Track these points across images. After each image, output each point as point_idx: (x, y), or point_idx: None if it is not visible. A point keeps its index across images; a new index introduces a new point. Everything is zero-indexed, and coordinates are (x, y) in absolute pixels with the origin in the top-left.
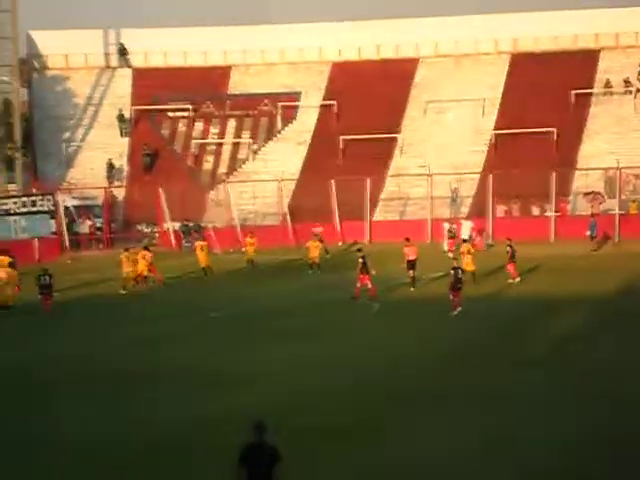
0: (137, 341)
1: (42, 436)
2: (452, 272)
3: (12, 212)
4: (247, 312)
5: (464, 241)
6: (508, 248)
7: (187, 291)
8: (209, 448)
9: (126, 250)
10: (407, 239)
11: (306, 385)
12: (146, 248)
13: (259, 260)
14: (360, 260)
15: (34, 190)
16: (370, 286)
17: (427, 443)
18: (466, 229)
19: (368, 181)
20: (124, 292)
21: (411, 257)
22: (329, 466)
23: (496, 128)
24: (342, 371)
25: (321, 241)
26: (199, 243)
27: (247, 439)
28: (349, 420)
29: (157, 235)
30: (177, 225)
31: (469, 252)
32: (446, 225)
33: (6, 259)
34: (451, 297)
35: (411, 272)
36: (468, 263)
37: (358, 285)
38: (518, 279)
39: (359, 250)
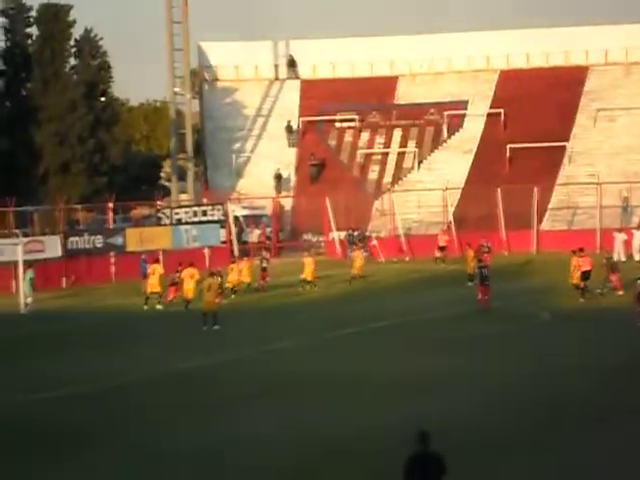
0: (299, 350)
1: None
2: (638, 282)
3: (184, 221)
4: (407, 322)
5: None
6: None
7: (347, 302)
8: (377, 457)
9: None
10: (581, 249)
11: (466, 399)
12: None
13: (423, 269)
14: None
15: (205, 200)
16: None
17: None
18: (638, 239)
19: (535, 190)
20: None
21: (585, 268)
22: None
23: None
24: (504, 385)
25: (488, 252)
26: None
27: (412, 449)
28: (510, 439)
29: (323, 244)
30: (342, 234)
31: None
32: (618, 235)
33: (195, 270)
34: (639, 309)
35: (583, 283)
36: None
37: None
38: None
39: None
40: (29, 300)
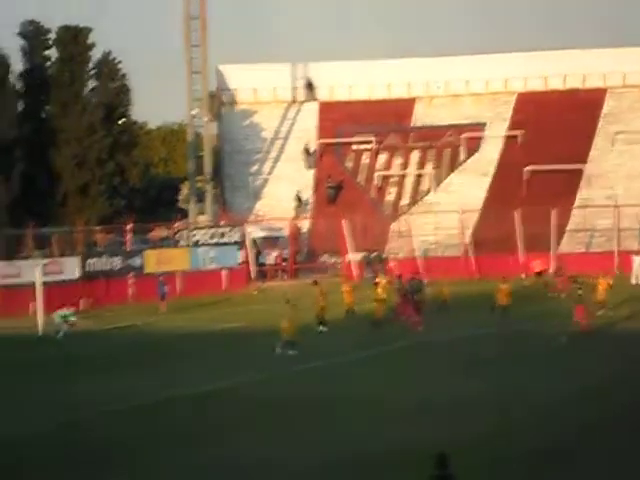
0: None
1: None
2: None
3: (202, 243)
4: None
5: None
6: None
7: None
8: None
9: (315, 283)
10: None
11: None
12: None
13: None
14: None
15: (223, 222)
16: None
17: None
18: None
19: (553, 212)
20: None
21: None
22: None
23: None
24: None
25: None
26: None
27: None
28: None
29: (340, 266)
30: (360, 256)
31: None
32: (636, 258)
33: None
34: None
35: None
36: None
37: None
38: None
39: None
40: (60, 333)
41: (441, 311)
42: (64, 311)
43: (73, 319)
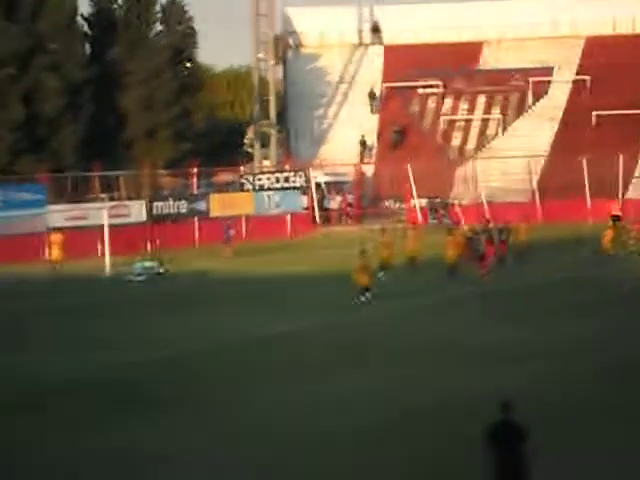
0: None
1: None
2: None
3: (266, 187)
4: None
5: None
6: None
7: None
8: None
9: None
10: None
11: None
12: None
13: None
14: None
15: (287, 166)
16: None
17: None
18: None
19: (621, 158)
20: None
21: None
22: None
23: None
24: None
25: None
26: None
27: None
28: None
29: (404, 211)
30: (424, 202)
31: None
32: None
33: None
34: None
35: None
36: None
37: None
38: None
39: None
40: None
41: (523, 256)
42: (148, 262)
43: (160, 270)
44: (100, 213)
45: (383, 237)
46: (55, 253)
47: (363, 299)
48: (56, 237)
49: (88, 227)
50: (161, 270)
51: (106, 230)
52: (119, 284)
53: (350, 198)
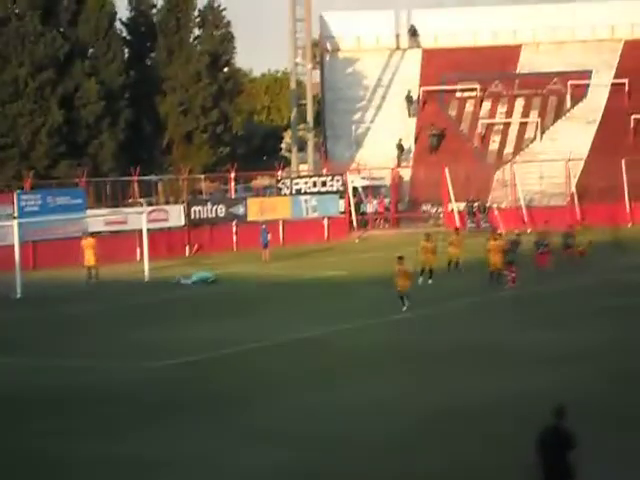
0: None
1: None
2: None
3: (303, 192)
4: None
5: None
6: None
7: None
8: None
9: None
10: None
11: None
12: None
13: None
14: None
15: (324, 170)
16: None
17: None
18: None
19: None
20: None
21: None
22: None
23: None
24: None
25: None
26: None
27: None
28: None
29: (442, 215)
30: (462, 205)
31: None
32: None
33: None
34: None
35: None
36: None
37: None
38: None
39: None
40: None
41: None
42: (204, 273)
43: (214, 279)
44: (139, 218)
45: (427, 242)
46: (88, 257)
47: (404, 303)
48: (87, 242)
49: (127, 232)
50: (214, 279)
51: (145, 234)
52: (161, 288)
53: (386, 202)
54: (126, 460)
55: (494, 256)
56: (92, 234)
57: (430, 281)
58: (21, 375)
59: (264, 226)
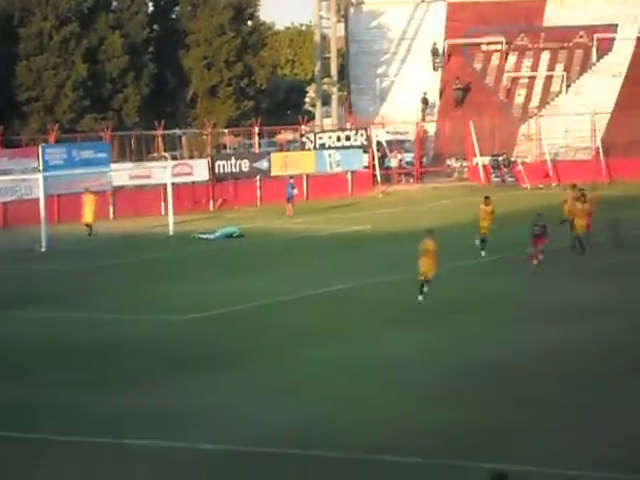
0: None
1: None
2: None
3: (327, 146)
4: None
5: None
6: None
7: None
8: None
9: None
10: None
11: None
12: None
13: None
14: None
15: (348, 125)
16: None
17: None
18: None
19: None
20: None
21: None
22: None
23: None
24: None
25: None
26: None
27: None
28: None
29: (466, 169)
30: (486, 160)
31: None
32: None
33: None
34: None
35: None
36: None
37: None
38: None
39: None
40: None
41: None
42: (231, 228)
43: (240, 233)
44: (163, 172)
45: (487, 207)
46: (87, 213)
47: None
48: (88, 197)
49: (151, 186)
50: (240, 234)
51: (169, 188)
52: (186, 242)
53: (411, 156)
54: (153, 412)
55: (580, 219)
56: (91, 191)
57: (483, 253)
58: (47, 328)
59: (292, 180)
